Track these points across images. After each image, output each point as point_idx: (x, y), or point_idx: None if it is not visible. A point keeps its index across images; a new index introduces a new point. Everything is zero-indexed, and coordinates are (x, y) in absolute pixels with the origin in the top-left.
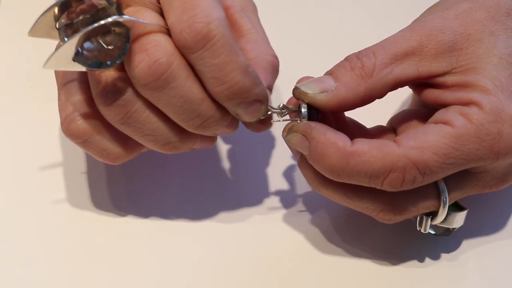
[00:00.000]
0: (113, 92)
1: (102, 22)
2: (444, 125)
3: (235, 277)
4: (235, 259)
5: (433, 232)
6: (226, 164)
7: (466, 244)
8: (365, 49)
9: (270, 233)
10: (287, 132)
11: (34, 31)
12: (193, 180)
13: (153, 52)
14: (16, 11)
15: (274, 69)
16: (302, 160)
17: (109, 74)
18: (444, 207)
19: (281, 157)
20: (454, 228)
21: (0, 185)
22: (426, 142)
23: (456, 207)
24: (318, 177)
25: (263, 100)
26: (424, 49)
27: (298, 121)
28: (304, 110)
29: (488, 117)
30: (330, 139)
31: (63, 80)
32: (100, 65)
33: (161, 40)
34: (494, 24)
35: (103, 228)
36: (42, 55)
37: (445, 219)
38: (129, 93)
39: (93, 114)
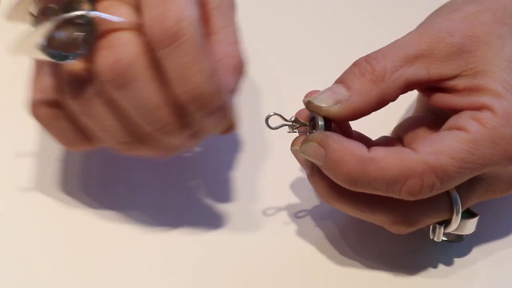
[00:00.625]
0: (77, 82)
1: (70, 14)
2: (459, 131)
3: (236, 280)
4: (236, 263)
5: (445, 239)
6: (231, 168)
7: (477, 250)
8: (374, 52)
9: (272, 238)
10: (303, 143)
11: (12, 14)
12: (193, 181)
13: (118, 50)
14: None
15: (239, 72)
16: (314, 173)
17: (77, 64)
18: (457, 215)
19: (286, 163)
20: (467, 234)
21: None
22: (442, 147)
23: (467, 213)
24: (330, 190)
25: (227, 111)
26: (434, 52)
27: (313, 131)
28: (321, 123)
29: (501, 121)
30: (347, 146)
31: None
32: (64, 57)
33: (129, 38)
34: (501, 27)
35: (101, 228)
36: None
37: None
38: (91, 87)
39: (60, 101)
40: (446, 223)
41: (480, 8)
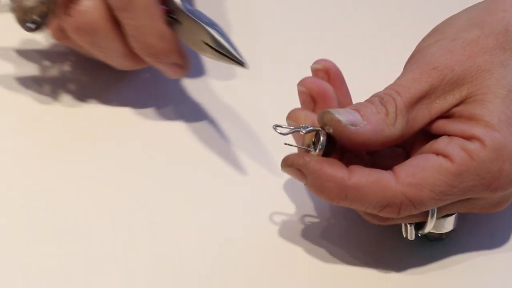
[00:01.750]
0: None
1: None
2: (444, 160)
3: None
4: (225, 262)
5: (425, 237)
6: (220, 166)
7: (460, 249)
8: (386, 93)
9: (259, 239)
10: (282, 165)
11: None
12: (193, 181)
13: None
14: None
15: None
16: None
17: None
18: (432, 219)
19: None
20: (448, 233)
21: None
22: (423, 179)
23: None
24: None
25: (184, 65)
26: (435, 91)
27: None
28: (323, 139)
29: (489, 155)
30: (327, 172)
31: None
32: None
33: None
34: (503, 53)
35: (99, 226)
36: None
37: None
38: None
39: None
40: (422, 224)
41: (482, 34)
